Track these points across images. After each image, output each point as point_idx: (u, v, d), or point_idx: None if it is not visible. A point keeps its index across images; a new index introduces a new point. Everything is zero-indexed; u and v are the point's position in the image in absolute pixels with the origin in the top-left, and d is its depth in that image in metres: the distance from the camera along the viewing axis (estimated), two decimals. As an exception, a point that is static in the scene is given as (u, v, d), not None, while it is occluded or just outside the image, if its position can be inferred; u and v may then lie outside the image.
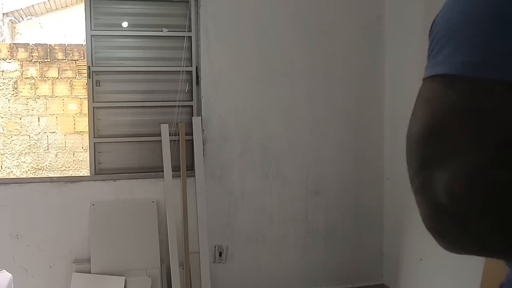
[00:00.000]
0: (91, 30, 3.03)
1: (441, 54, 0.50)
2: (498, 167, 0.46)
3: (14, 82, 4.69)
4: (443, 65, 0.49)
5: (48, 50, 4.71)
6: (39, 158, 4.78)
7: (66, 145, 4.79)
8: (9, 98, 4.69)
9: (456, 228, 0.49)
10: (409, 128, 0.53)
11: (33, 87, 4.70)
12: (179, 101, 3.11)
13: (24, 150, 4.74)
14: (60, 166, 4.82)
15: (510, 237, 0.47)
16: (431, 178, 0.50)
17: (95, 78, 3.04)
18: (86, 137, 4.00)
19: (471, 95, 0.47)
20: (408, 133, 0.53)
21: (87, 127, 3.10)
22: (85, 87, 4.09)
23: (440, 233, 0.51)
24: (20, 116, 4.72)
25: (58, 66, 4.74)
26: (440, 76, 0.50)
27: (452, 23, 0.50)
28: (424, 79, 0.53)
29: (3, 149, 4.74)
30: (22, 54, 4.69)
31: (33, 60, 4.70)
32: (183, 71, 3.13)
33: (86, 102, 3.45)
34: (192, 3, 3.13)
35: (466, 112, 0.48)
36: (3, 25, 5.77)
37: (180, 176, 3.03)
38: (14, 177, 4.58)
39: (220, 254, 3.15)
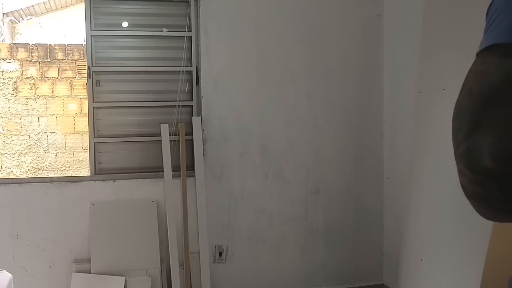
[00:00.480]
0: (91, 30, 3.03)
1: (501, 26, 0.52)
2: None
3: (14, 82, 4.69)
4: (504, 35, 0.51)
5: (48, 50, 4.71)
6: (39, 158, 4.78)
7: (66, 145, 4.79)
8: (9, 98, 4.69)
9: (502, 192, 0.48)
10: (458, 101, 0.55)
11: (33, 87, 4.70)
12: (179, 101, 3.11)
13: (24, 150, 4.74)
14: (60, 166, 4.82)
15: None
16: (475, 143, 0.51)
17: (95, 78, 3.04)
18: (86, 137, 4.00)
19: None
20: (458, 105, 0.55)
21: (87, 127, 3.10)
22: (85, 87, 4.09)
23: (483, 200, 0.51)
24: (20, 116, 4.72)
25: (58, 66, 4.74)
26: (499, 46, 0.52)
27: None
28: (478, 53, 0.55)
29: (3, 149, 4.74)
30: (22, 54, 4.69)
31: (33, 60, 4.70)
32: (183, 71, 3.13)
33: (86, 102, 3.45)
34: (192, 3, 3.13)
35: None
36: (3, 25, 5.77)
37: (180, 176, 3.03)
38: (14, 177, 4.58)
39: (220, 254, 3.15)
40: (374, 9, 3.34)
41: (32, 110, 4.71)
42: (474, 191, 0.52)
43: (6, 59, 4.69)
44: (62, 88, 4.75)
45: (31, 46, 4.71)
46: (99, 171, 3.05)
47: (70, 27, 5.76)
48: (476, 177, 0.51)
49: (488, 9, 0.57)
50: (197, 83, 3.14)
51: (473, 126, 0.52)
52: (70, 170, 4.83)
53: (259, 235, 3.21)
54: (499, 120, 0.49)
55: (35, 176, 4.60)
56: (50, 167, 4.80)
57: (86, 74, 3.08)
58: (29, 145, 4.74)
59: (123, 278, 2.85)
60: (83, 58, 4.70)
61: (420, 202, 2.57)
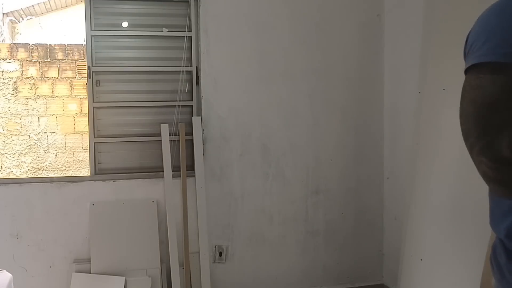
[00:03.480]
0: (91, 30, 3.03)
1: (483, 48, 0.68)
2: None
3: (14, 82, 4.69)
4: (489, 56, 0.67)
5: (48, 50, 4.71)
6: (39, 158, 4.78)
7: (66, 145, 4.79)
8: (9, 98, 4.69)
9: None
10: (462, 110, 0.72)
11: (33, 87, 4.70)
12: (179, 101, 3.11)
13: (24, 150, 4.74)
14: (60, 166, 4.82)
15: None
16: (493, 141, 0.66)
17: (95, 78, 3.04)
18: (86, 137, 4.00)
19: None
20: (463, 115, 0.72)
21: (87, 127, 3.10)
22: (85, 87, 4.09)
23: (502, 182, 0.68)
24: (20, 116, 4.72)
25: (58, 66, 4.74)
26: (487, 64, 0.68)
27: (491, 28, 0.69)
28: (467, 71, 0.72)
29: (3, 149, 4.74)
30: (22, 54, 4.69)
31: (33, 60, 4.70)
32: (183, 71, 3.13)
33: (86, 102, 3.45)
34: (192, 3, 3.13)
35: None
36: (3, 25, 5.77)
37: (180, 176, 3.03)
38: (14, 177, 4.58)
39: (220, 254, 3.15)
40: (374, 9, 3.33)
41: (32, 110, 4.71)
42: (495, 177, 0.68)
43: (6, 59, 4.69)
44: (62, 88, 4.75)
45: (31, 46, 4.71)
46: (99, 171, 3.05)
47: (70, 27, 5.76)
48: (496, 165, 0.66)
49: (467, 37, 0.74)
50: (197, 83, 3.14)
51: (484, 127, 0.67)
52: (70, 170, 4.83)
53: (259, 235, 3.21)
54: (508, 122, 0.65)
55: (35, 176, 4.60)
56: (50, 167, 4.80)
57: (86, 74, 3.08)
58: (29, 145, 4.74)
59: (123, 278, 2.85)
60: (83, 58, 4.70)
61: (420, 202, 2.57)
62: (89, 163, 3.11)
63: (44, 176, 4.57)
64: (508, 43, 0.66)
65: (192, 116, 3.11)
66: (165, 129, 3.04)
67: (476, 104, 0.69)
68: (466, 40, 0.75)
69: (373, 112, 3.35)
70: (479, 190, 1.06)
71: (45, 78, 4.72)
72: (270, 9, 3.17)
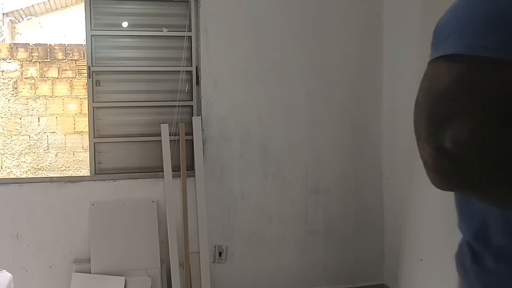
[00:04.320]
0: (91, 30, 3.03)
1: (448, 41, 0.69)
2: (492, 125, 0.63)
3: (14, 82, 4.69)
4: (451, 48, 0.68)
5: (48, 50, 4.71)
6: (39, 158, 4.78)
7: (66, 145, 4.79)
8: (9, 98, 4.69)
9: (453, 167, 0.66)
10: (417, 98, 0.72)
11: (33, 87, 4.70)
12: (179, 101, 3.11)
13: (24, 150, 4.74)
14: (60, 166, 4.82)
15: (497, 181, 0.64)
16: (438, 130, 0.67)
17: (95, 78, 3.04)
18: (86, 137, 4.00)
19: (467, 69, 0.66)
20: (417, 101, 0.71)
21: (87, 127, 3.10)
22: (85, 87, 4.08)
23: (438, 171, 0.68)
24: (20, 116, 4.72)
25: (58, 66, 4.74)
26: (447, 56, 0.68)
27: (457, 20, 0.69)
28: (430, 62, 0.72)
29: (3, 149, 4.74)
30: (22, 54, 4.69)
31: (33, 60, 4.70)
32: (183, 71, 3.13)
33: (86, 102, 3.45)
34: (192, 3, 3.13)
35: (465, 82, 0.66)
36: (3, 25, 5.77)
37: (180, 176, 3.03)
38: (14, 177, 4.58)
39: (220, 254, 3.15)
40: (373, 8, 3.33)
41: (32, 110, 4.71)
42: (433, 166, 0.68)
43: (6, 59, 4.69)
44: (62, 88, 4.75)
45: (31, 46, 4.71)
46: (99, 171, 3.05)
47: (70, 27, 5.76)
48: (436, 154, 0.67)
49: (435, 29, 0.73)
50: (197, 83, 3.14)
51: (432, 116, 0.68)
52: (70, 170, 4.83)
53: (259, 235, 3.21)
54: (457, 115, 0.65)
55: (35, 176, 4.60)
56: (50, 167, 4.80)
57: (86, 74, 3.08)
58: (29, 145, 4.74)
59: (123, 278, 2.85)
60: (83, 58, 4.70)
61: (420, 202, 2.57)
62: (89, 163, 3.11)
63: (44, 176, 4.57)
64: (471, 34, 0.65)
65: (192, 116, 3.11)
66: (165, 129, 3.04)
67: (428, 93, 0.69)
68: (434, 30, 0.74)
69: (372, 111, 3.35)
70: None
71: (45, 78, 4.72)
72: (270, 9, 3.17)
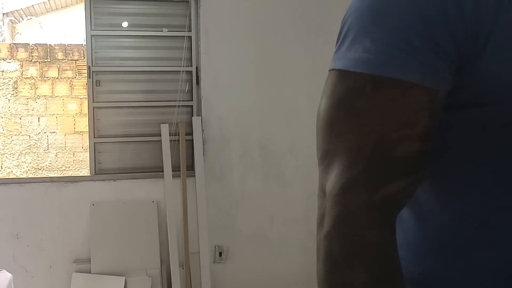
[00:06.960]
0: (91, 30, 3.02)
1: (341, 48, 0.52)
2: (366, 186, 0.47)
3: (14, 82, 4.68)
4: (341, 61, 0.50)
5: (48, 50, 4.71)
6: (39, 158, 4.78)
7: (66, 145, 4.79)
8: (9, 98, 4.68)
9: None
10: (317, 118, 0.56)
11: (33, 87, 4.70)
12: (179, 101, 3.11)
13: (24, 150, 4.74)
14: (60, 166, 4.82)
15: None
16: (324, 170, 0.53)
17: (95, 78, 3.04)
18: (86, 137, 3.99)
19: (351, 90, 0.47)
20: (316, 123, 0.56)
21: (87, 127, 3.10)
22: (85, 87, 4.08)
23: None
24: (20, 116, 4.72)
25: (58, 66, 4.74)
26: (336, 70, 0.51)
27: (357, 15, 0.52)
28: (329, 71, 0.55)
29: (3, 149, 4.74)
30: (22, 54, 4.68)
31: (33, 60, 4.69)
32: (183, 71, 3.13)
33: (86, 102, 3.44)
34: (192, 3, 3.13)
35: (347, 109, 0.48)
36: (3, 25, 5.77)
37: (180, 176, 3.03)
38: (14, 177, 4.58)
39: (220, 254, 3.15)
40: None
41: (32, 110, 4.71)
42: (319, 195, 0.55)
43: (6, 59, 4.69)
44: (62, 88, 4.74)
45: (31, 46, 4.71)
46: (99, 171, 3.05)
47: (70, 27, 5.76)
48: (320, 193, 0.54)
49: (343, 19, 0.56)
50: (197, 83, 3.14)
51: (324, 153, 0.53)
52: (70, 170, 4.83)
53: (260, 235, 3.21)
54: (337, 158, 0.50)
55: (35, 176, 4.59)
56: (50, 167, 4.80)
57: (86, 74, 3.08)
58: (29, 145, 4.74)
59: (123, 278, 2.85)
60: (83, 58, 4.69)
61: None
62: (89, 163, 3.11)
63: (44, 176, 4.57)
64: (360, 44, 0.49)
65: (192, 116, 3.11)
66: (165, 129, 3.04)
67: (321, 116, 0.55)
68: (342, 22, 0.57)
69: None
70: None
71: (45, 78, 4.72)
72: (270, 9, 3.17)
